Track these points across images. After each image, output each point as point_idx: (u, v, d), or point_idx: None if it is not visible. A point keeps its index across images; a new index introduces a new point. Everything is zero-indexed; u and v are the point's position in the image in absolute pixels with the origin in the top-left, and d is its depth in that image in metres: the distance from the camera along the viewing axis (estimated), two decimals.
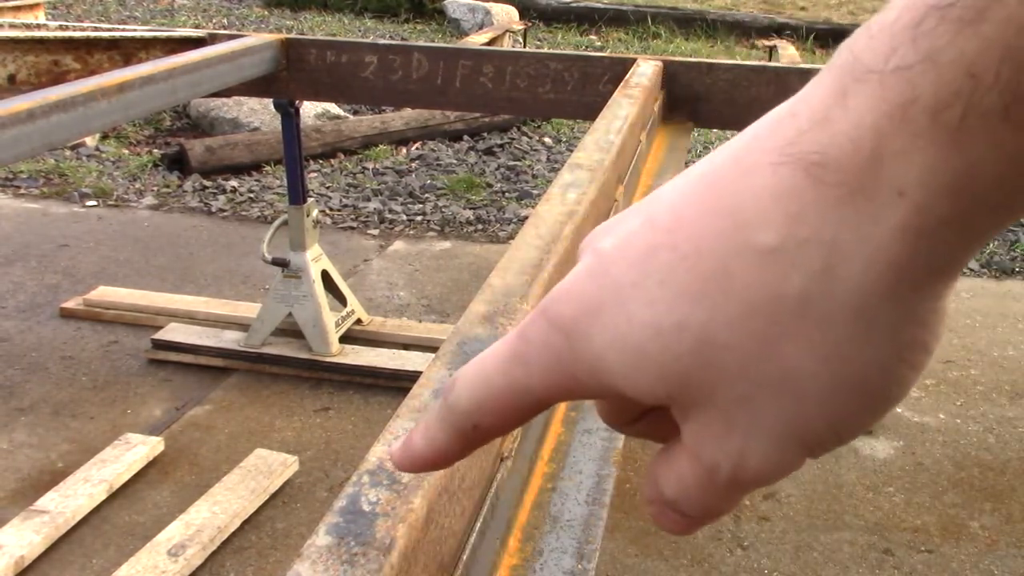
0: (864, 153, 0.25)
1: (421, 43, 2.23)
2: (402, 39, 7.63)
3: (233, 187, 4.24)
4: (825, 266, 0.25)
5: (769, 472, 0.28)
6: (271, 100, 2.73)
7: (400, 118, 4.95)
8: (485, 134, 5.09)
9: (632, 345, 0.28)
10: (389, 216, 3.95)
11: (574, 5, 8.69)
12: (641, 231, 0.29)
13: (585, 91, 2.04)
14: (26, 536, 1.92)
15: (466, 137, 5.03)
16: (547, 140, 5.08)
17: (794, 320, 0.26)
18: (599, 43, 8.00)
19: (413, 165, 4.63)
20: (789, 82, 1.99)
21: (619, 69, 1.96)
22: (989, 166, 0.24)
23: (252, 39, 2.14)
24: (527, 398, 0.30)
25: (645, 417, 0.33)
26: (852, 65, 0.25)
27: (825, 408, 0.27)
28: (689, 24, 8.42)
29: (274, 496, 2.13)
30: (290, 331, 2.67)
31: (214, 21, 8.16)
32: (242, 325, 2.76)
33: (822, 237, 0.25)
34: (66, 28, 2.16)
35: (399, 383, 2.57)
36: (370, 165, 4.62)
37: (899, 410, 2.54)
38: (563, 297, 0.29)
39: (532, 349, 0.29)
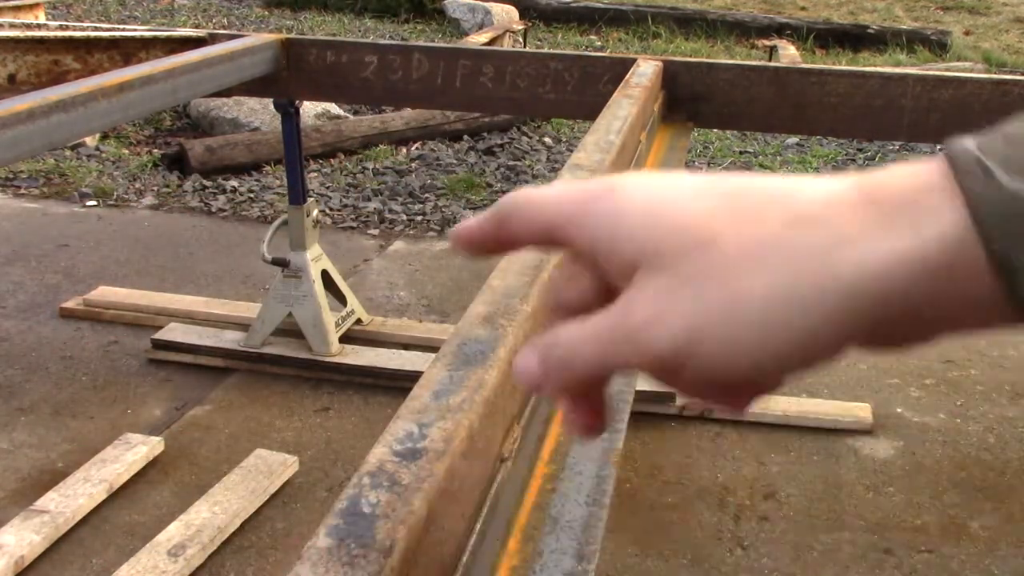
0: (918, 197, 0.33)
1: (421, 43, 2.22)
2: (402, 39, 7.63)
3: (233, 187, 4.24)
4: (834, 240, 0.34)
5: (659, 343, 0.35)
6: (271, 100, 2.74)
7: (400, 118, 4.94)
8: (485, 134, 5.09)
9: (646, 213, 0.37)
10: (389, 216, 3.95)
11: (574, 5, 8.69)
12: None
13: (585, 91, 2.04)
14: (26, 536, 1.92)
15: (466, 137, 5.03)
16: (547, 140, 5.08)
17: (776, 261, 0.34)
18: (599, 43, 8.00)
19: (413, 165, 4.63)
20: (789, 82, 1.99)
21: (619, 69, 1.96)
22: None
23: (252, 39, 2.14)
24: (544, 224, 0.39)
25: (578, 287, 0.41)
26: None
27: (729, 325, 0.34)
28: (689, 24, 8.41)
29: (274, 496, 2.13)
30: (290, 331, 2.67)
31: (214, 21, 8.16)
32: (242, 325, 2.76)
33: (846, 229, 0.34)
34: (66, 28, 2.16)
35: (399, 383, 2.57)
36: (370, 165, 4.62)
37: (899, 410, 2.54)
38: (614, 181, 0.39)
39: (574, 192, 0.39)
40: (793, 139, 5.11)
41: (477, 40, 6.18)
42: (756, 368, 0.35)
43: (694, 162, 4.67)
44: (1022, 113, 0.34)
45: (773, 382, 0.36)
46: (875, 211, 0.34)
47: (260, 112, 4.93)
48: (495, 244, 0.41)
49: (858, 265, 0.33)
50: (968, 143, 0.33)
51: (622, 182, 0.38)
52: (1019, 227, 0.31)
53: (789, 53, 5.38)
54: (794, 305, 0.34)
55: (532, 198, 0.39)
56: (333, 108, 5.16)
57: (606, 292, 0.39)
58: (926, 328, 0.35)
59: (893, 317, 0.34)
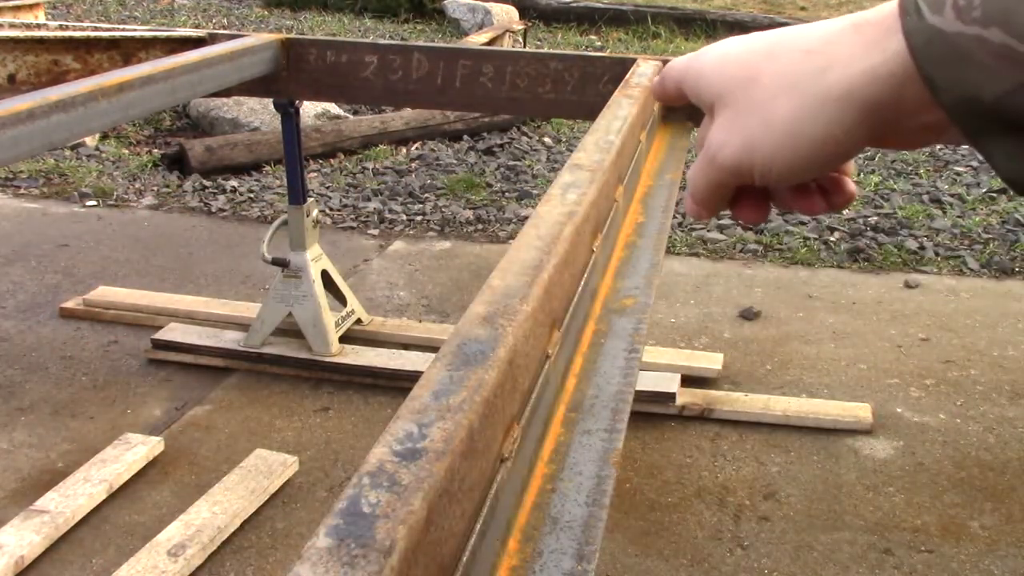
0: (887, 24, 0.44)
1: (421, 43, 2.22)
2: (402, 39, 7.63)
3: (233, 187, 4.24)
4: (829, 64, 0.45)
5: (727, 159, 0.50)
6: (271, 100, 2.74)
7: (400, 118, 4.95)
8: (485, 134, 5.09)
9: (715, 66, 0.52)
10: (389, 216, 3.95)
11: (574, 5, 8.69)
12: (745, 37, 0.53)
13: (585, 91, 2.04)
14: (26, 536, 1.92)
15: (466, 137, 5.03)
16: (547, 140, 5.08)
17: (792, 86, 0.47)
18: (599, 43, 8.00)
19: (413, 165, 4.63)
20: None
21: (619, 69, 1.96)
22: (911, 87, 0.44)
23: (252, 39, 2.14)
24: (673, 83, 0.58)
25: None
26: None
27: (768, 139, 0.47)
28: (689, 24, 8.41)
29: (274, 496, 2.13)
30: (290, 331, 2.67)
31: (214, 21, 8.16)
32: (242, 325, 2.76)
33: (837, 54, 0.45)
34: (66, 28, 2.16)
35: (399, 383, 2.57)
36: (370, 165, 4.62)
37: (899, 410, 2.54)
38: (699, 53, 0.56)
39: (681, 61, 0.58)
40: None
41: (477, 40, 6.18)
42: (794, 168, 0.48)
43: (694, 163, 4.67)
44: None
45: (825, 170, 0.49)
46: (859, 37, 0.45)
47: (260, 112, 4.93)
48: (665, 98, 0.59)
49: (844, 81, 0.45)
50: None
51: (704, 49, 0.54)
52: (936, 51, 0.41)
53: None
54: (806, 118, 0.46)
55: (668, 67, 0.58)
56: (333, 108, 5.16)
57: None
58: (911, 126, 0.46)
59: (881, 116, 0.45)
